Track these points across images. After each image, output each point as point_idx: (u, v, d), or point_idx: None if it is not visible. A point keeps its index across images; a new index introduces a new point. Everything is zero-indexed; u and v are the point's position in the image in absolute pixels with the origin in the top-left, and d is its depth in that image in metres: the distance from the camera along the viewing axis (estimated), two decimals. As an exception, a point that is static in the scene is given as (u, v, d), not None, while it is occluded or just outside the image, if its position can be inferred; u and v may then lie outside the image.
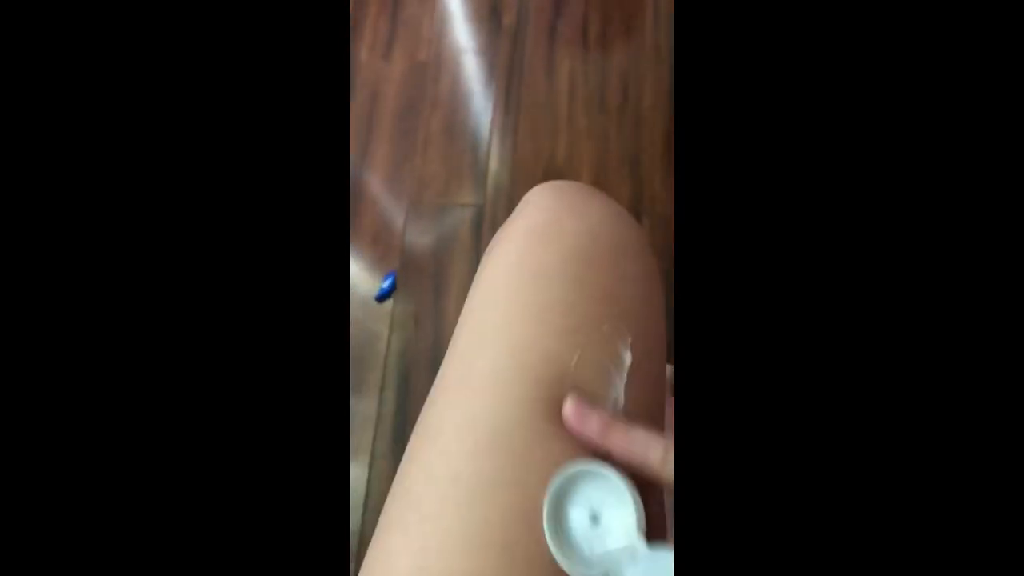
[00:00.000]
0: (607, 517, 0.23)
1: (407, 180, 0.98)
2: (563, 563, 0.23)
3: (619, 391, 0.27)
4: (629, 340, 0.28)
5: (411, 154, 0.99)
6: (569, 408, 0.25)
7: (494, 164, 0.97)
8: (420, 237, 0.94)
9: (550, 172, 0.96)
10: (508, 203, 0.95)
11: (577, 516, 0.23)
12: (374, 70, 1.06)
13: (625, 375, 0.27)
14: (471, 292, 0.32)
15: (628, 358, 0.27)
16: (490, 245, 0.34)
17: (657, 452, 0.24)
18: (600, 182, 0.94)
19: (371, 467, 0.82)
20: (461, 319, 0.31)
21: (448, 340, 0.36)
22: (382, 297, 0.90)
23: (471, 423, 0.26)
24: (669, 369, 0.77)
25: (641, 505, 0.23)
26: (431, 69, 1.05)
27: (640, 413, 0.28)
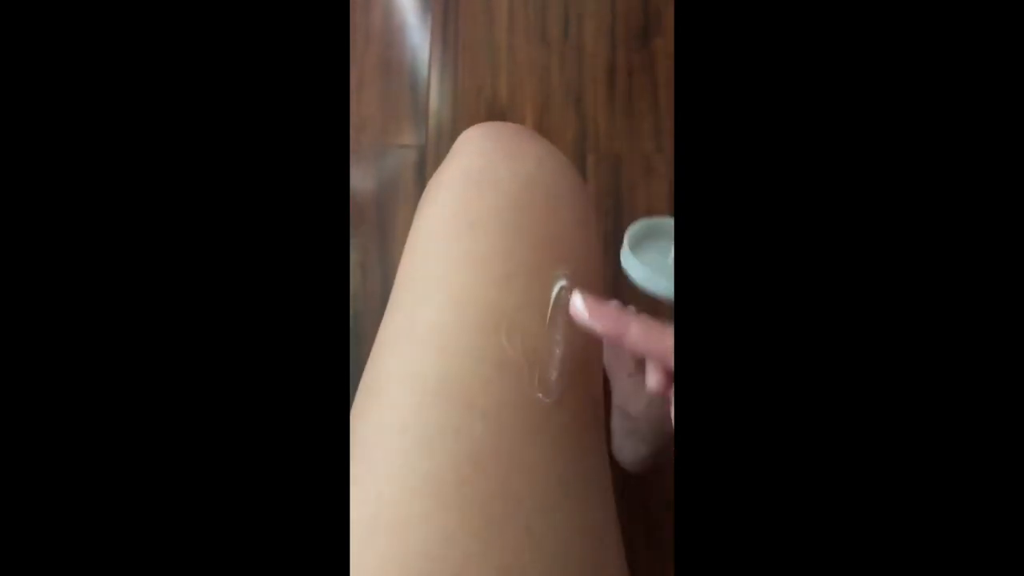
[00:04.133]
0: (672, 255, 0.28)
1: (344, 122, 0.94)
2: (634, 276, 0.29)
3: (557, 332, 0.28)
4: (566, 284, 0.29)
5: (346, 94, 0.95)
6: (579, 302, 0.26)
7: (434, 102, 0.94)
8: (361, 182, 0.91)
9: (493, 110, 0.93)
10: (451, 144, 0.92)
11: (650, 249, 0.29)
12: (299, 1, 0.98)
13: (563, 316, 0.28)
14: (409, 241, 0.32)
15: (565, 300, 0.28)
16: (426, 191, 0.34)
17: (670, 340, 0.26)
18: (544, 119, 0.93)
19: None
20: (400, 270, 0.31)
21: (397, 287, 0.35)
22: (326, 246, 0.88)
23: (416, 376, 0.26)
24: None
25: None
26: (361, 2, 0.99)
27: (577, 353, 0.29)
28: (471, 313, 0.27)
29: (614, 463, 0.76)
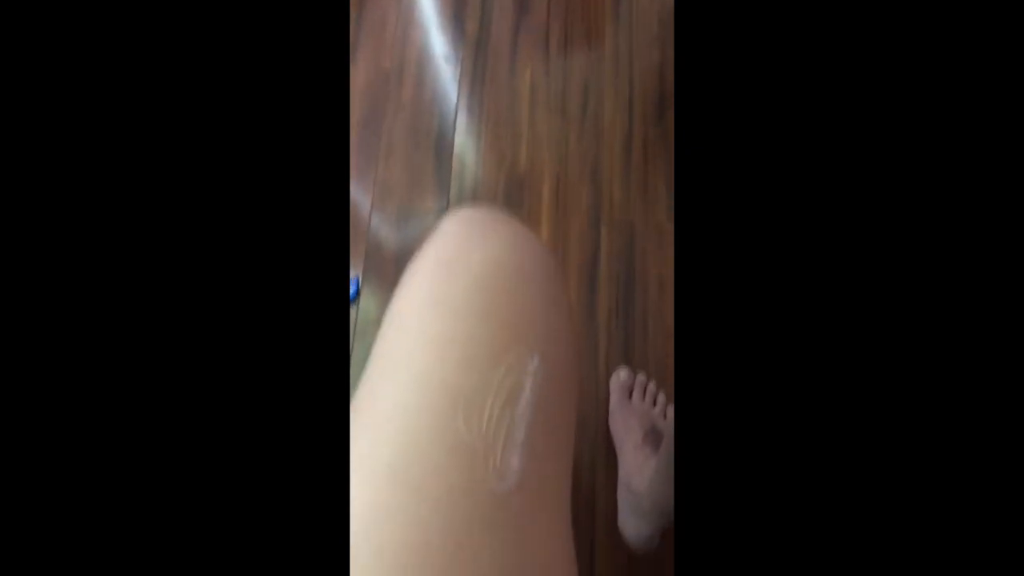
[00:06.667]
0: None
1: (371, 186, 0.98)
2: None
3: (520, 413, 0.28)
4: (531, 366, 0.29)
5: (374, 160, 1.00)
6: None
7: (457, 171, 0.99)
8: (384, 243, 0.95)
9: (512, 179, 0.97)
10: (471, 208, 0.96)
11: None
12: (336, 75, 1.06)
13: (527, 398, 0.28)
14: (384, 322, 0.33)
15: (529, 382, 0.28)
16: (404, 274, 0.34)
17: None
18: (561, 189, 0.96)
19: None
20: (373, 350, 0.32)
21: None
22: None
23: (370, 456, 0.26)
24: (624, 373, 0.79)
25: None
26: (395, 75, 1.06)
27: (541, 435, 0.28)
28: (429, 395, 0.27)
29: (619, 540, 0.74)
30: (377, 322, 0.90)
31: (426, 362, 0.28)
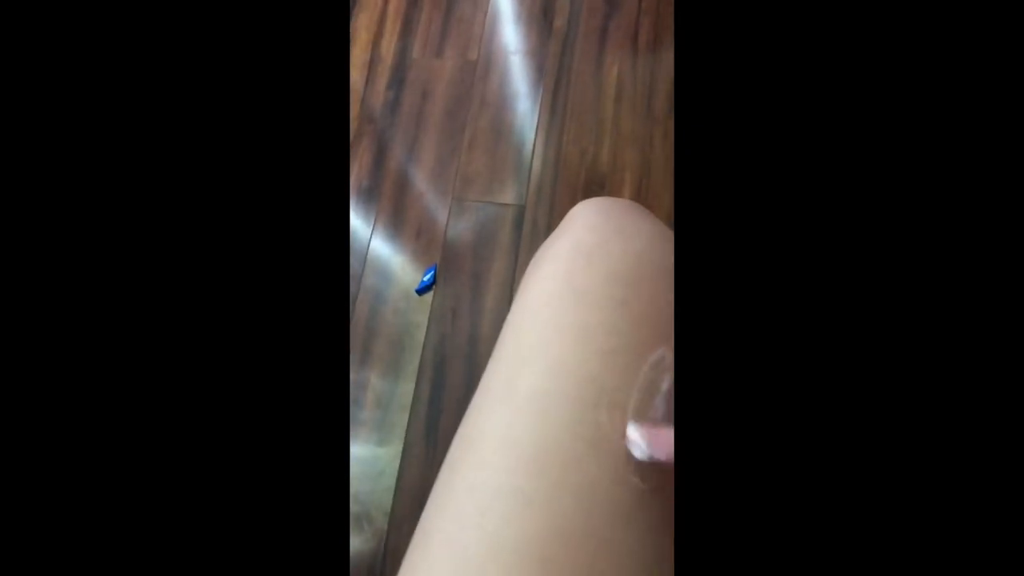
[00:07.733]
0: None
1: (452, 176, 1.00)
2: None
3: (659, 412, 0.27)
4: (667, 364, 0.28)
5: (457, 151, 1.02)
6: (635, 434, 0.25)
7: (537, 165, 0.99)
8: (462, 233, 0.97)
9: (593, 176, 0.97)
10: (549, 205, 0.96)
11: None
12: (425, 67, 1.09)
13: (664, 398, 0.27)
14: (514, 306, 0.32)
15: (668, 382, 0.27)
16: (535, 260, 0.34)
17: None
18: (642, 189, 0.95)
19: (404, 451, 0.85)
20: (503, 333, 0.32)
21: (484, 336, 0.36)
22: (423, 290, 0.93)
23: (513, 440, 0.26)
24: None
25: None
26: (481, 68, 1.07)
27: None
28: (571, 384, 0.27)
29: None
30: (452, 309, 0.92)
31: (567, 351, 0.28)
